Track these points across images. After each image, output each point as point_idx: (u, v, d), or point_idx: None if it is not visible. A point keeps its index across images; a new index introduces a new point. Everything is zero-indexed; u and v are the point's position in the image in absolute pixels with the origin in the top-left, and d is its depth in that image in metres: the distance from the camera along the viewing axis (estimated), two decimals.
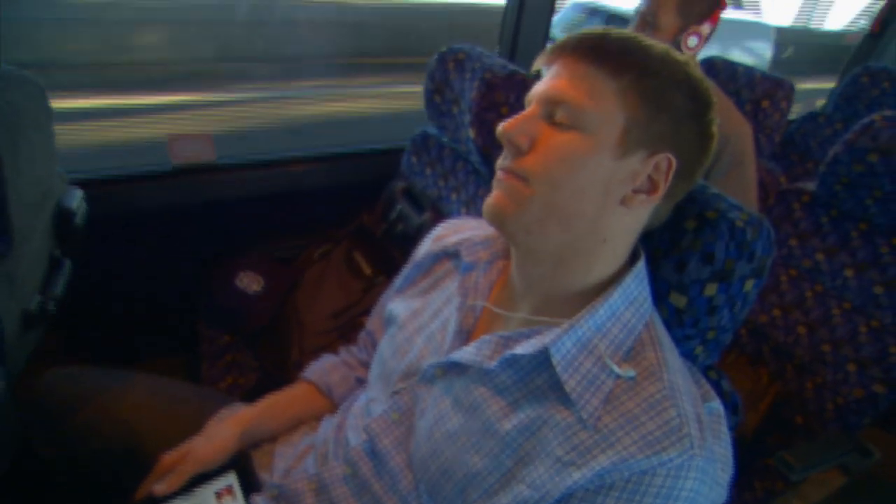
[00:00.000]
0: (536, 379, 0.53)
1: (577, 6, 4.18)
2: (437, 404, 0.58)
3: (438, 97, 1.07)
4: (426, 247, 0.74)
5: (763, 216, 0.56)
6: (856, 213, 1.07)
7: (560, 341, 0.51)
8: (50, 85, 0.76)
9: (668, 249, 0.58)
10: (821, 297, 1.10)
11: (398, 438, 0.61)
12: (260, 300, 1.15)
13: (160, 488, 0.64)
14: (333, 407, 0.79)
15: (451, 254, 0.69)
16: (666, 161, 0.51)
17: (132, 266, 1.22)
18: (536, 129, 0.52)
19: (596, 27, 0.53)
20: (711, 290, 0.55)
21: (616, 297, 0.52)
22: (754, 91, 1.40)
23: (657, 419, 0.46)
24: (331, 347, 0.89)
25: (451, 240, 0.70)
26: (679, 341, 0.58)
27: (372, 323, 0.83)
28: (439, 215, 1.10)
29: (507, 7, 1.34)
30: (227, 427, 0.72)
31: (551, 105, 0.51)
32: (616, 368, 0.50)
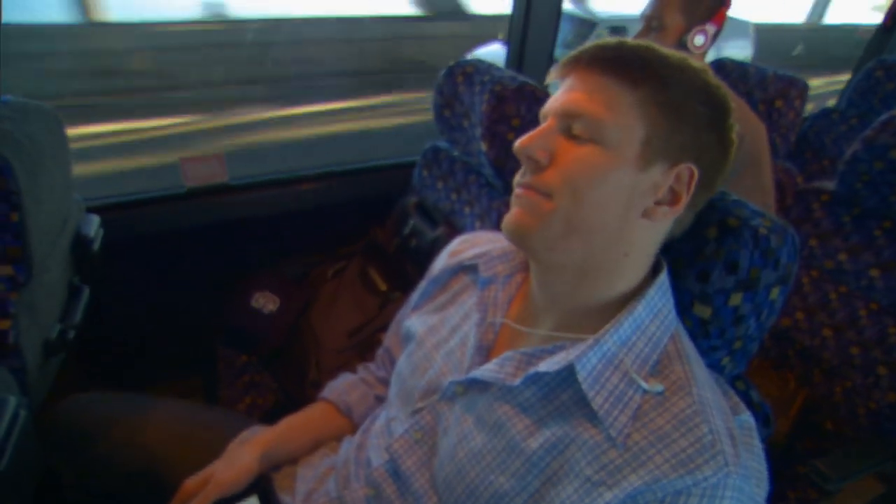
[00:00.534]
0: (561, 395, 0.52)
1: None
2: (460, 423, 0.57)
3: (448, 111, 1.07)
4: (442, 262, 0.73)
5: (787, 223, 0.55)
6: (879, 211, 1.04)
7: (585, 357, 0.50)
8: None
9: (691, 259, 0.56)
10: (846, 297, 1.07)
11: (421, 459, 0.60)
12: (276, 320, 1.15)
13: None
14: (353, 426, 0.78)
15: (468, 268, 0.69)
16: (688, 172, 0.50)
17: (148, 289, 1.23)
18: (554, 143, 0.51)
19: (609, 38, 0.52)
20: (737, 299, 0.54)
21: (640, 310, 0.51)
22: (767, 91, 1.38)
23: (689, 436, 0.45)
24: (349, 365, 0.89)
25: (468, 254, 0.69)
26: (705, 353, 0.57)
27: (389, 340, 0.82)
28: (453, 229, 1.09)
29: (513, 18, 1.34)
30: (247, 450, 0.71)
31: (568, 119, 0.51)
32: (643, 383, 0.49)
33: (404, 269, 1.14)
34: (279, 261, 1.31)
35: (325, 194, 1.34)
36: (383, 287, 1.15)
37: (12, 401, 0.55)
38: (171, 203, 1.19)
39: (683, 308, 0.57)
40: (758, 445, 0.50)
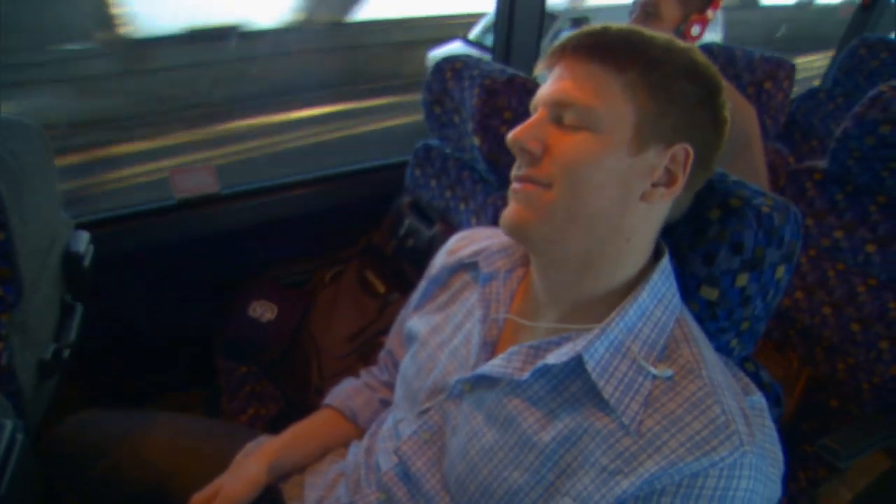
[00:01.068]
0: (570, 387, 0.51)
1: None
2: (469, 421, 0.56)
3: (438, 108, 1.07)
4: (441, 261, 0.72)
5: (788, 200, 0.54)
6: (872, 187, 1.04)
7: (593, 347, 0.49)
8: None
9: (694, 242, 0.56)
10: (844, 275, 1.08)
11: (431, 459, 0.59)
12: (275, 328, 1.13)
13: None
14: (359, 432, 0.77)
15: (468, 265, 0.68)
16: (683, 152, 0.50)
17: (144, 304, 1.21)
18: (547, 133, 0.51)
19: (595, 25, 0.52)
20: (743, 280, 0.54)
21: (644, 296, 0.51)
22: (755, 73, 1.38)
23: (702, 418, 0.45)
24: (351, 370, 0.88)
25: (467, 251, 0.69)
26: (713, 335, 0.56)
27: (391, 342, 0.81)
28: (449, 226, 1.08)
29: (499, 11, 1.34)
30: (254, 461, 0.71)
31: (559, 108, 0.50)
32: (652, 369, 0.49)
33: (402, 270, 1.13)
34: (275, 268, 1.30)
35: (318, 199, 1.33)
36: (382, 289, 1.14)
37: (8, 425, 0.54)
38: (162, 215, 1.17)
39: (689, 292, 0.56)
40: (770, 426, 0.50)
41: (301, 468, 0.75)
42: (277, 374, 1.10)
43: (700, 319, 0.55)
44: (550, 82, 0.52)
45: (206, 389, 1.18)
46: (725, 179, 0.56)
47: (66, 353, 0.73)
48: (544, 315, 0.57)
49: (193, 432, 0.79)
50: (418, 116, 1.11)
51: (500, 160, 0.95)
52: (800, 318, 1.12)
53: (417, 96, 1.11)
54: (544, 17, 1.34)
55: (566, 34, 0.52)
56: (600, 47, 0.50)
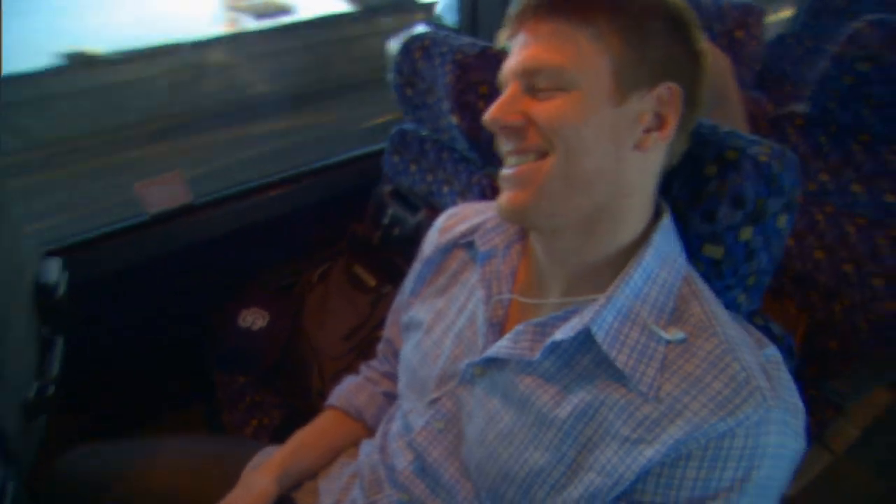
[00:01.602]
0: (582, 360, 0.50)
1: None
2: (484, 405, 0.55)
3: (410, 90, 1.03)
4: (433, 241, 0.70)
5: (784, 146, 0.53)
6: (854, 127, 1.04)
7: (600, 317, 0.48)
8: None
9: (692, 201, 0.54)
10: (832, 217, 1.08)
11: (447, 448, 0.58)
12: (268, 335, 1.10)
13: None
14: (367, 429, 0.76)
15: (464, 244, 0.66)
16: (667, 91, 0.48)
17: (130, 326, 1.17)
18: (524, 104, 0.48)
19: None
20: (747, 234, 0.52)
21: (648, 257, 0.49)
22: (725, 22, 1.36)
23: (722, 377, 0.44)
24: (351, 369, 0.86)
25: (460, 229, 0.66)
26: (719, 293, 0.55)
27: (389, 330, 0.79)
28: (434, 211, 1.05)
29: None
30: (262, 474, 0.69)
31: (529, 76, 0.48)
32: (664, 334, 0.47)
33: (391, 260, 1.10)
34: (261, 274, 1.26)
35: (295, 197, 1.29)
36: (372, 283, 1.12)
37: None
38: (136, 233, 1.12)
39: (692, 252, 0.55)
40: (787, 377, 0.49)
41: (312, 474, 0.73)
42: (276, 381, 1.08)
43: (706, 278, 0.54)
44: (515, 51, 0.50)
45: (206, 406, 1.15)
46: (717, 131, 0.54)
47: (51, 389, 0.69)
48: (549, 289, 0.56)
49: (197, 452, 0.77)
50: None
51: (480, 137, 0.93)
52: (792, 264, 1.12)
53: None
54: None
55: None
56: (561, 3, 0.47)
